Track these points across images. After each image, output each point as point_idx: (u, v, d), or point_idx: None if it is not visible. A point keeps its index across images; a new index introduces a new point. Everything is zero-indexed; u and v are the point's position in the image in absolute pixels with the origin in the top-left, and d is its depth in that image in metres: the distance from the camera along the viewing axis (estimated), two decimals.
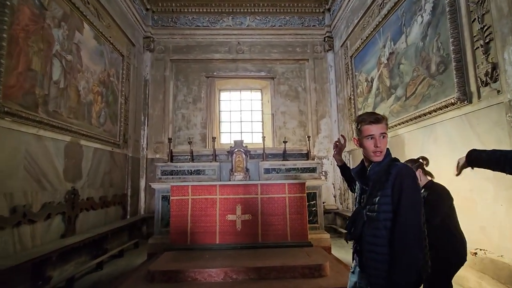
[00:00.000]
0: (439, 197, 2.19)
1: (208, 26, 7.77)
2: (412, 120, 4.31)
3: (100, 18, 5.41)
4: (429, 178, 2.35)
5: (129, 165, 6.45)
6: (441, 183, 2.34)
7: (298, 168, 5.22)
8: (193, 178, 4.99)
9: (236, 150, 5.17)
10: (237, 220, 4.27)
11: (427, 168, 2.35)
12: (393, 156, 1.48)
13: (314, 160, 5.61)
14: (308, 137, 5.72)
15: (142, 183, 6.96)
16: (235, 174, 5.07)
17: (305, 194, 4.47)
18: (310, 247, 4.11)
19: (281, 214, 4.34)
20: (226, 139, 8.13)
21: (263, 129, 8.14)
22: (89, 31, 5.06)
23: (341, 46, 7.20)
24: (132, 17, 6.77)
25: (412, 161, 2.36)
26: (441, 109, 3.68)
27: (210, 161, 5.28)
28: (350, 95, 6.70)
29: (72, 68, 4.57)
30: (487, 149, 1.59)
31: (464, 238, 2.19)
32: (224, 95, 8.45)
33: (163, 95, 7.53)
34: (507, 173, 1.47)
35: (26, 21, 3.64)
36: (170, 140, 5.63)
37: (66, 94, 4.39)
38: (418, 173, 2.25)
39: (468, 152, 1.61)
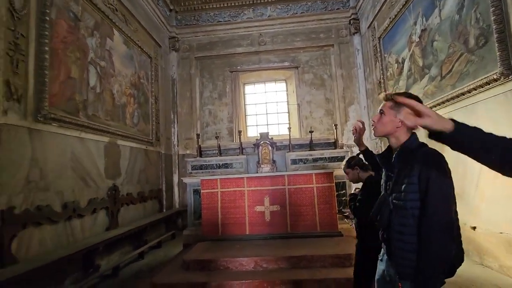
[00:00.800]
0: None
1: (229, 20, 7.82)
2: (449, 101, 4.01)
3: (128, 24, 5.69)
4: None
5: (162, 161, 6.80)
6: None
7: (325, 157, 5.14)
8: (221, 171, 5.15)
9: (262, 142, 5.22)
10: (265, 211, 4.35)
11: None
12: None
13: (342, 148, 5.47)
14: (335, 125, 5.58)
15: (175, 178, 7.31)
16: (262, 166, 5.14)
17: (334, 184, 4.40)
18: (340, 236, 4.06)
19: (309, 204, 4.33)
20: (252, 132, 8.21)
21: (289, 120, 8.07)
22: (118, 37, 5.37)
23: (368, 27, 6.83)
24: (157, 19, 7.03)
25: None
26: (482, 87, 3.38)
27: (237, 155, 5.40)
28: (380, 78, 6.37)
29: (106, 74, 4.90)
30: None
31: None
32: (248, 88, 8.49)
33: (190, 92, 7.78)
34: (499, 171, 0.97)
35: (64, 33, 3.96)
36: (198, 136, 5.84)
37: (102, 98, 4.73)
38: None
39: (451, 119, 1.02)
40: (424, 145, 1.36)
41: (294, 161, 5.12)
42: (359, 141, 1.85)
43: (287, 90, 8.26)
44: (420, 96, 3.44)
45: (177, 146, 7.55)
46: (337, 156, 5.09)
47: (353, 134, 1.86)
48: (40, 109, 3.35)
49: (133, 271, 4.16)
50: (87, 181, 4.15)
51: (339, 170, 4.78)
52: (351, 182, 2.55)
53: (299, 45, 7.66)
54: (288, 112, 8.13)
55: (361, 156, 2.24)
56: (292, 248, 3.56)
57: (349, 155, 6.68)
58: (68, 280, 3.53)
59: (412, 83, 5.12)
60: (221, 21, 7.82)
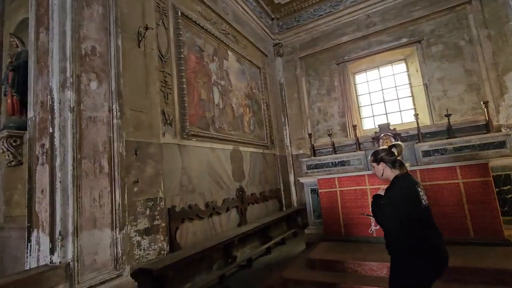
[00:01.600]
0: None
1: (331, 11, 7.49)
2: None
3: (238, 43, 6.40)
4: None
5: (278, 163, 7.21)
6: None
7: (474, 145, 4.10)
8: (338, 169, 4.96)
9: (382, 135, 4.71)
10: None
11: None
12: None
13: (500, 131, 4.22)
14: (485, 102, 4.36)
15: (291, 178, 7.58)
16: None
17: (491, 178, 3.44)
18: (508, 246, 3.13)
19: (455, 204, 3.56)
20: (369, 124, 7.50)
21: (414, 105, 6.91)
22: (232, 56, 6.11)
23: None
24: (261, 31, 7.56)
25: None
26: None
27: (354, 151, 5.07)
28: None
29: (226, 90, 5.66)
30: None
31: None
32: (359, 78, 7.84)
33: (297, 93, 7.92)
34: None
35: (193, 65, 4.86)
36: (310, 135, 5.86)
37: (225, 112, 5.49)
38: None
39: None
40: None
41: (426, 153, 4.33)
42: None
43: (408, 71, 7.11)
44: None
45: (290, 147, 7.82)
46: (493, 142, 3.95)
47: None
48: (184, 128, 4.23)
49: (263, 264, 4.58)
50: (220, 184, 4.89)
51: (499, 160, 3.71)
52: None
53: (419, 15, 6.46)
54: (412, 96, 6.97)
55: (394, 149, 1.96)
56: None
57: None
58: (215, 265, 4.26)
59: None
60: (322, 15, 7.60)
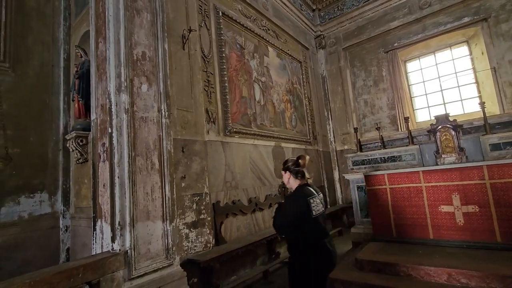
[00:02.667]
0: None
1: None
2: None
3: (278, 38, 6.33)
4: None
5: (321, 159, 6.98)
6: None
7: None
8: (388, 165, 4.61)
9: (439, 127, 4.24)
10: (455, 212, 3.47)
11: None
12: None
13: None
14: None
15: (336, 175, 7.29)
16: (443, 156, 4.16)
17: None
18: None
19: None
20: (423, 116, 6.84)
21: (479, 93, 6.10)
22: (272, 52, 6.06)
23: None
24: (302, 24, 7.37)
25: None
26: None
27: (406, 145, 4.66)
28: None
29: (267, 87, 5.65)
30: None
31: None
32: (411, 66, 7.18)
33: (341, 86, 7.56)
34: None
35: (235, 63, 4.94)
36: (356, 129, 5.55)
37: (266, 109, 5.48)
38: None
39: None
40: None
41: (496, 146, 3.77)
42: None
43: (471, 54, 6.29)
44: None
45: (334, 143, 7.52)
46: None
47: None
48: (226, 126, 4.33)
49: None
50: (263, 180, 4.91)
51: None
52: None
53: None
54: (477, 83, 6.15)
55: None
56: (508, 265, 2.62)
57: None
58: (258, 261, 4.31)
59: None
60: (368, 0, 7.11)
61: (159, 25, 3.46)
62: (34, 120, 4.08)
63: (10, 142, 3.74)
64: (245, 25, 5.25)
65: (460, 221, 3.42)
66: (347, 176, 4.89)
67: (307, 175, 2.21)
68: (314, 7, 7.82)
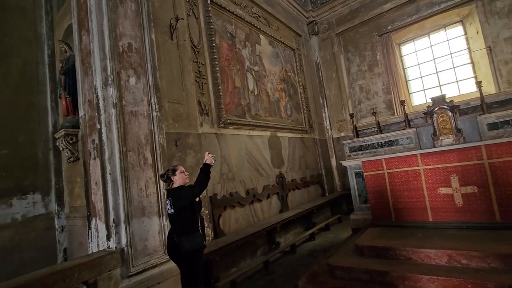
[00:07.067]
0: None
1: None
2: None
3: (269, 25, 6.17)
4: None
5: (318, 147, 6.94)
6: None
7: None
8: (385, 150, 4.57)
9: (436, 108, 4.18)
10: (454, 193, 3.46)
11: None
12: None
13: None
14: None
15: (333, 162, 7.27)
16: (440, 138, 4.12)
17: None
18: None
19: None
20: (419, 99, 6.80)
21: (475, 73, 6.05)
22: (264, 40, 5.92)
23: None
24: (294, 10, 7.19)
25: None
26: None
27: (403, 129, 4.61)
28: None
29: (260, 76, 5.54)
30: None
31: None
32: (406, 49, 7.08)
33: (336, 72, 7.45)
34: None
35: (226, 52, 4.81)
36: (351, 115, 5.49)
37: (260, 98, 5.39)
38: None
39: None
40: None
41: (493, 126, 3.73)
42: None
43: (466, 34, 6.20)
44: None
45: (331, 130, 7.47)
46: None
47: None
48: (220, 117, 4.24)
49: (308, 250, 4.50)
50: (260, 171, 4.86)
51: None
52: None
53: None
54: (472, 63, 6.09)
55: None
56: (509, 244, 2.61)
57: None
58: (259, 251, 4.30)
59: None
60: None
61: (145, 15, 3.32)
62: (22, 120, 3.95)
63: None
64: (235, 13, 5.09)
65: (459, 202, 3.41)
66: (344, 163, 4.86)
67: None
68: None
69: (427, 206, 3.61)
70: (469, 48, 6.11)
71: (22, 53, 4.15)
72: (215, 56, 4.42)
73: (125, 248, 2.58)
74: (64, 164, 4.11)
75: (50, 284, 2.01)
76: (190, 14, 4.19)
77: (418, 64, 6.84)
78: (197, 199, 2.46)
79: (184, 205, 2.26)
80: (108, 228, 2.61)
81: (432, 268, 2.67)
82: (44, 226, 3.92)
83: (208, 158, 2.43)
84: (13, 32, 4.10)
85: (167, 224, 2.90)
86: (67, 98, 3.68)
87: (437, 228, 3.42)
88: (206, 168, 2.39)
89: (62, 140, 3.58)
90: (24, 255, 3.62)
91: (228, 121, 4.37)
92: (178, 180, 2.39)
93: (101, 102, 2.82)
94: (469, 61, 6.15)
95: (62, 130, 3.60)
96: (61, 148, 3.76)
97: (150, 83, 3.18)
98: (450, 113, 3.99)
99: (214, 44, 4.45)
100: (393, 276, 2.69)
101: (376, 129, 4.91)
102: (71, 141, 3.60)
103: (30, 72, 4.18)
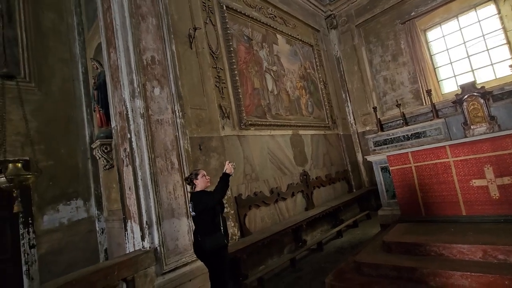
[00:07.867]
0: None
1: None
2: None
3: (286, 24, 6.18)
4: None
5: (343, 142, 6.81)
6: None
7: None
8: (412, 143, 4.41)
9: (466, 96, 3.97)
10: (489, 185, 3.26)
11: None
12: None
13: None
14: None
15: (359, 157, 7.09)
16: (472, 127, 3.90)
17: None
18: None
19: None
20: (450, 86, 6.39)
21: (511, 54, 5.59)
22: (281, 39, 5.94)
23: None
24: (310, 6, 7.12)
25: None
26: None
27: (430, 119, 4.41)
28: None
29: (279, 76, 5.57)
30: None
31: None
32: (432, 34, 6.70)
33: (357, 65, 7.26)
34: None
35: (244, 55, 4.91)
36: (375, 109, 5.35)
37: (280, 98, 5.43)
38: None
39: None
40: None
41: None
42: None
43: (499, 13, 5.74)
44: None
45: (355, 125, 7.29)
46: None
47: None
48: (241, 119, 4.35)
49: (335, 247, 4.47)
50: (283, 169, 4.91)
51: None
52: None
53: None
54: (509, 43, 5.62)
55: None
56: None
57: None
58: (286, 249, 4.35)
59: None
60: None
61: (165, 28, 3.52)
62: (62, 133, 4.37)
63: (45, 155, 4.05)
64: (250, 16, 5.18)
65: (495, 194, 3.20)
66: (369, 158, 4.75)
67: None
68: None
69: (459, 200, 3.43)
70: (504, 28, 5.65)
71: (60, 72, 4.58)
72: (233, 60, 4.54)
73: (158, 248, 2.77)
74: (101, 171, 4.47)
75: (94, 281, 2.24)
76: (207, 22, 4.34)
77: (447, 50, 6.44)
78: None
79: (204, 209, 2.37)
80: (142, 229, 2.82)
81: (465, 264, 2.55)
82: (87, 229, 4.30)
83: (228, 168, 2.48)
84: (53, 54, 4.54)
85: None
86: (101, 111, 4.01)
87: (471, 222, 3.25)
88: (226, 177, 2.46)
89: (98, 150, 3.91)
90: (71, 256, 4.02)
91: (249, 122, 4.47)
92: (200, 183, 2.51)
93: (130, 113, 3.05)
94: (504, 41, 5.68)
95: (98, 140, 3.94)
96: (97, 157, 4.10)
97: (173, 92, 3.38)
98: (481, 100, 3.76)
99: (231, 49, 4.57)
100: (423, 273, 2.61)
101: (402, 121, 4.74)
102: (106, 150, 3.93)
103: (68, 89, 4.61)
